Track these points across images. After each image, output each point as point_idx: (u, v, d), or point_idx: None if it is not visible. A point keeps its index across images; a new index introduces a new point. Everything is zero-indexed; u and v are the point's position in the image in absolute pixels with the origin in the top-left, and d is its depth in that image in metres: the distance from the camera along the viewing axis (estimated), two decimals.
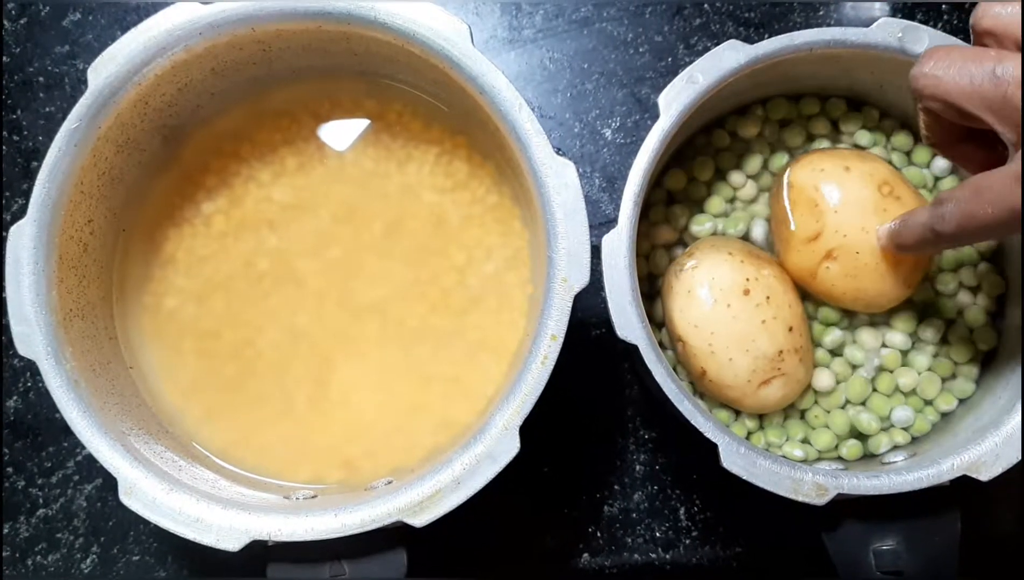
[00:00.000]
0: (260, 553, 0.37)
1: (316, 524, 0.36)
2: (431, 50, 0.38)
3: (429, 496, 0.36)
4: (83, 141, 0.39)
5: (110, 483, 0.36)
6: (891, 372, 0.43)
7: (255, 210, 0.44)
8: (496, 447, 0.36)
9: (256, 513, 0.36)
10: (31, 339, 0.37)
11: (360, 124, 0.45)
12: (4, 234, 0.50)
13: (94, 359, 0.40)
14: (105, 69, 0.39)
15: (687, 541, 0.46)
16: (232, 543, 0.35)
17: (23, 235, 0.38)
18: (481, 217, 0.44)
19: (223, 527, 0.36)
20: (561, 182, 0.37)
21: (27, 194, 0.38)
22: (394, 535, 0.37)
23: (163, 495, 0.36)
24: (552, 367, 0.36)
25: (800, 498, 0.36)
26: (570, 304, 0.37)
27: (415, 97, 0.45)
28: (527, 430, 0.36)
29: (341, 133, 0.45)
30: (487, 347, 0.43)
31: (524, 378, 0.36)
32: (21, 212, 0.38)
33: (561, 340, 0.37)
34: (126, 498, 0.36)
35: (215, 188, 0.44)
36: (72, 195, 0.39)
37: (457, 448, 0.37)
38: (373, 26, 0.39)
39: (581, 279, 0.37)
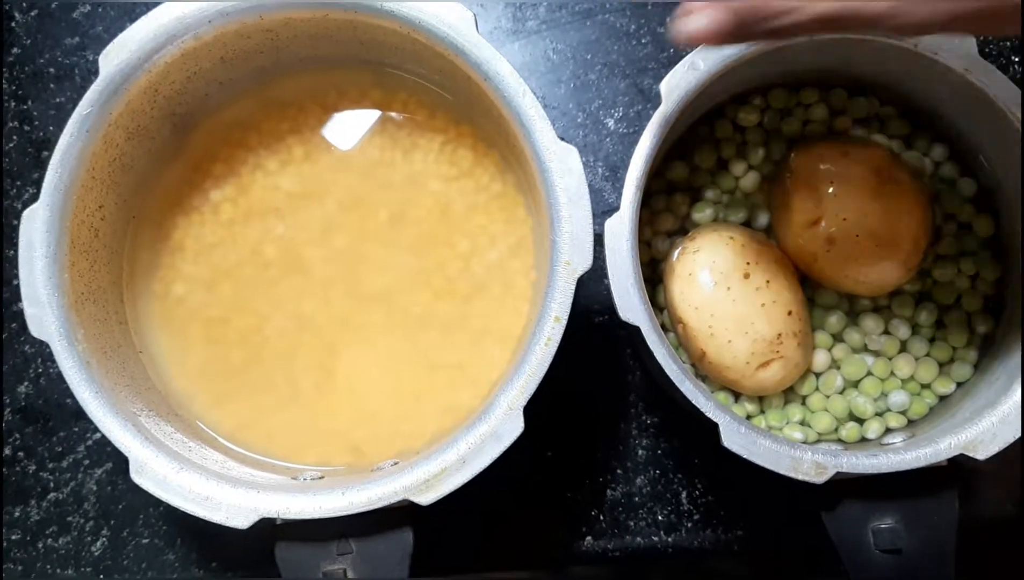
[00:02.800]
0: (267, 533, 0.38)
1: (324, 502, 0.36)
2: (436, 37, 0.39)
3: (435, 475, 0.36)
4: (94, 127, 0.39)
5: (120, 467, 0.37)
6: (890, 358, 0.44)
7: (262, 198, 0.45)
8: (501, 427, 0.36)
9: (265, 492, 0.37)
10: (43, 321, 0.38)
11: (366, 114, 0.46)
12: (16, 222, 0.51)
13: (105, 342, 0.40)
14: (117, 56, 0.39)
15: (689, 524, 0.47)
16: (241, 521, 0.36)
17: (36, 219, 0.38)
18: (485, 205, 0.45)
19: (232, 505, 0.36)
20: (564, 167, 0.38)
21: (39, 184, 0.39)
22: (400, 514, 0.38)
23: (173, 474, 0.37)
24: (556, 348, 0.37)
25: (800, 476, 0.37)
26: (573, 287, 0.37)
27: (420, 86, 0.45)
28: (531, 415, 0.36)
29: (347, 123, 0.46)
30: (491, 334, 0.44)
31: (528, 359, 0.37)
32: (33, 201, 0.39)
33: (564, 322, 0.37)
34: (137, 477, 0.37)
35: (223, 176, 0.45)
36: (84, 180, 0.40)
37: (462, 428, 0.37)
38: (379, 14, 0.40)
39: (584, 262, 0.38)
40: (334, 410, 0.43)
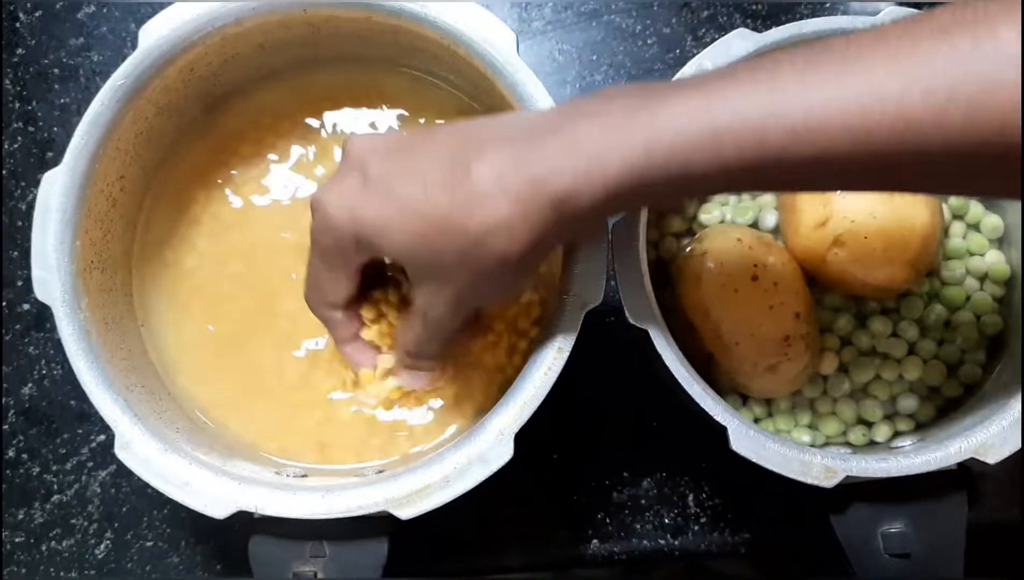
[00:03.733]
0: (249, 524, 0.37)
1: (302, 503, 0.36)
2: (476, 53, 0.39)
3: (417, 490, 0.35)
4: (126, 99, 0.39)
5: (124, 469, 0.36)
6: (898, 360, 0.44)
7: (285, 185, 0.45)
8: (489, 451, 0.35)
9: (245, 484, 0.36)
10: (49, 285, 0.38)
11: (396, 115, 0.46)
12: (20, 223, 0.51)
13: (107, 313, 0.40)
14: (157, 31, 0.39)
15: (696, 527, 0.47)
16: (219, 511, 0.36)
17: (55, 182, 0.38)
18: None
19: (211, 494, 0.36)
20: None
21: None
22: (379, 523, 0.37)
23: (157, 455, 0.36)
24: (555, 379, 0.36)
25: (809, 480, 0.36)
26: (580, 321, 0.37)
27: (454, 97, 0.46)
28: (536, 417, 0.36)
29: (378, 122, 0.46)
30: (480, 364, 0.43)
31: (525, 386, 0.36)
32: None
33: (567, 354, 0.36)
34: (121, 452, 0.36)
35: (248, 158, 0.45)
36: (108, 150, 0.39)
37: (450, 444, 0.37)
38: (423, 23, 0.40)
39: (595, 298, 0.37)
40: (313, 405, 0.42)
